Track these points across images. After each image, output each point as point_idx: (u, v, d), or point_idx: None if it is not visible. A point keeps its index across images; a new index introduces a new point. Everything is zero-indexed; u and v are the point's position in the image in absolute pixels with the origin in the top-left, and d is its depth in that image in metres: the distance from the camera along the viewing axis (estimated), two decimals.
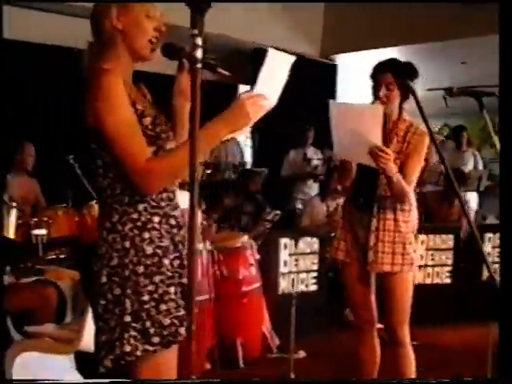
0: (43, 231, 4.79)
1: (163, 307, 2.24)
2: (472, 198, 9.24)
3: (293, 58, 2.49)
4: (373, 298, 3.83)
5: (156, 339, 2.22)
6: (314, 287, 5.95)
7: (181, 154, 2.19)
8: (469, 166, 9.25)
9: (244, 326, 4.87)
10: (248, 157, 9.24)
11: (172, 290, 2.29)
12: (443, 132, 10.89)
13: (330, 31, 9.11)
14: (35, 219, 4.89)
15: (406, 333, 3.73)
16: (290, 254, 5.78)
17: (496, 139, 3.29)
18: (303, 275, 5.86)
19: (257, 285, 4.90)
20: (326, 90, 9.23)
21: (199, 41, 1.70)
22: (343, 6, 8.92)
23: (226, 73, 2.41)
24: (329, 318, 5.87)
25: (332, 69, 9.58)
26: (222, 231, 5.77)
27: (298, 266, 5.82)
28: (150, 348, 2.22)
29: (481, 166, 9.39)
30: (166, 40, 2.36)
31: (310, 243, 5.90)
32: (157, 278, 2.24)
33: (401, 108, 3.61)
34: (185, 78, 2.48)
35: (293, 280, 4.94)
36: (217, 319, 4.77)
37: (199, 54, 1.70)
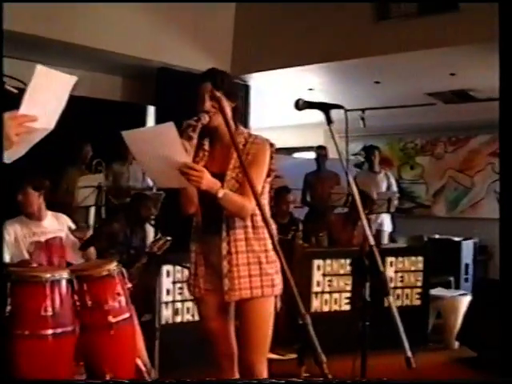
0: None
1: None
2: (386, 221, 9.06)
3: (73, 79, 2.22)
4: (232, 330, 3.54)
5: None
6: None
7: None
8: (382, 188, 9.11)
9: (113, 359, 4.48)
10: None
11: None
12: (362, 153, 10.72)
13: (240, 50, 8.87)
14: None
15: (264, 370, 3.43)
16: (174, 282, 5.47)
17: (343, 154, 3.05)
18: (189, 304, 5.55)
19: (126, 315, 4.54)
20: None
21: None
22: (254, 23, 8.73)
23: (14, 90, 2.22)
24: None
25: (244, 89, 9.32)
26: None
27: (182, 294, 5.52)
28: None
29: (395, 188, 9.23)
30: None
31: None
32: None
33: (235, 120, 3.36)
34: None
35: (156, 310, 4.59)
36: (83, 352, 4.41)
37: None
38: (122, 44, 7.77)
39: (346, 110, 3.00)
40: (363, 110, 10.22)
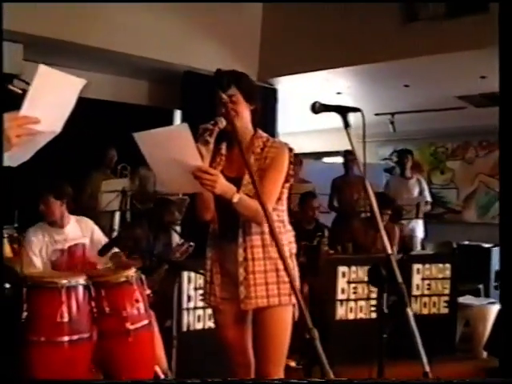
0: None
1: None
2: (417, 227, 8.90)
3: (82, 82, 2.14)
4: (250, 339, 3.44)
5: None
6: None
7: None
8: (414, 194, 8.95)
9: (131, 366, 4.43)
10: None
11: None
12: (393, 158, 10.58)
13: (267, 54, 8.80)
14: None
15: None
16: (196, 288, 5.39)
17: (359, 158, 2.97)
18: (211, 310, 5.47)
19: (145, 322, 4.48)
20: (266, 115, 8.87)
21: None
22: (281, 26, 8.65)
23: (18, 90, 2.15)
24: None
25: (272, 93, 9.25)
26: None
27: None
28: None
29: (427, 193, 9.05)
30: None
31: None
32: None
33: (254, 123, 3.28)
34: None
35: (174, 318, 4.53)
36: (101, 359, 4.36)
37: None
38: (147, 48, 7.74)
39: (363, 113, 2.89)
40: (392, 114, 10.10)
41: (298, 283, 3.37)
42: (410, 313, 2.67)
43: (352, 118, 2.94)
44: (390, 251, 2.73)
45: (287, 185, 3.29)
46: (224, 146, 3.36)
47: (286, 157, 3.21)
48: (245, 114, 3.25)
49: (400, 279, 2.70)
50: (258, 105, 3.31)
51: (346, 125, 2.90)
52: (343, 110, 2.92)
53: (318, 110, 2.94)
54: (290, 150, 3.27)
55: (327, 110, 2.94)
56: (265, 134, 3.31)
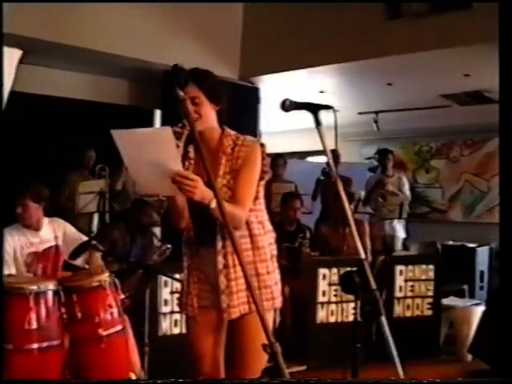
0: None
1: None
2: (398, 226, 8.78)
3: (18, 53, 1.99)
4: (222, 350, 3.31)
5: None
6: None
7: None
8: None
9: (105, 372, 4.30)
10: None
11: None
12: (376, 157, 10.47)
13: (249, 52, 8.67)
14: None
15: None
16: (172, 292, 5.27)
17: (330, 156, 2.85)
18: None
19: (118, 327, 4.35)
20: (248, 114, 8.75)
21: None
22: (262, 24, 8.53)
23: None
24: None
25: (254, 92, 9.12)
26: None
27: None
28: None
29: (407, 191, 8.92)
30: None
31: None
32: None
33: (221, 123, 3.15)
34: None
35: (146, 324, 4.41)
36: (74, 366, 4.23)
37: None
38: (127, 47, 7.60)
39: (335, 111, 2.78)
40: (376, 113, 10.00)
41: (279, 286, 3.25)
42: (385, 322, 2.54)
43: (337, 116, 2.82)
44: (362, 256, 2.61)
45: (262, 182, 3.16)
46: (191, 150, 3.22)
47: (258, 154, 3.09)
48: (210, 115, 3.11)
49: (374, 286, 2.56)
50: (224, 104, 3.17)
51: (318, 123, 2.77)
52: (314, 108, 2.80)
53: (288, 108, 2.82)
54: (262, 145, 3.15)
55: (298, 107, 2.83)
56: (233, 132, 3.17)
